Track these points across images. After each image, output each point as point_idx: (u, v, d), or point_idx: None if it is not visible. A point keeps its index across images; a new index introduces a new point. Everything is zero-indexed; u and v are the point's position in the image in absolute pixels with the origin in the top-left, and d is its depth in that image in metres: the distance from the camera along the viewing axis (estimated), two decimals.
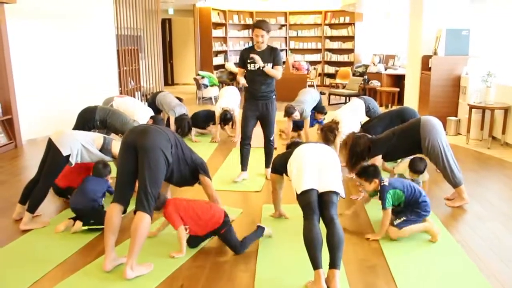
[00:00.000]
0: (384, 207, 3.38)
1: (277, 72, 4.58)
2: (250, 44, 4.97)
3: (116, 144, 3.93)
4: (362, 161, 4.39)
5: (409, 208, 3.42)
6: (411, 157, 4.17)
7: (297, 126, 6.84)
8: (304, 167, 2.99)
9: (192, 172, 3.42)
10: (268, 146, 4.88)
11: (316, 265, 2.64)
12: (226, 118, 6.87)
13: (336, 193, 2.92)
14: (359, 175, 3.54)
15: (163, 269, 2.96)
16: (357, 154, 4.26)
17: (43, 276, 2.90)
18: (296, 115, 6.35)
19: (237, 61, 4.88)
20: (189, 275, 2.92)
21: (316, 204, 2.85)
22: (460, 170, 4.11)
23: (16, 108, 6.47)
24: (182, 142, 3.32)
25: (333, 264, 2.66)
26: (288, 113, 6.33)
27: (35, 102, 6.99)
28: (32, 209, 3.67)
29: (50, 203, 4.15)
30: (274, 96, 4.76)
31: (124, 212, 3.00)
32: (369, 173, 3.46)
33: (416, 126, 4.13)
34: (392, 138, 4.23)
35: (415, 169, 4.01)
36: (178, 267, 3.01)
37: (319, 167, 2.99)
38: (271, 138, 4.85)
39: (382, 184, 3.41)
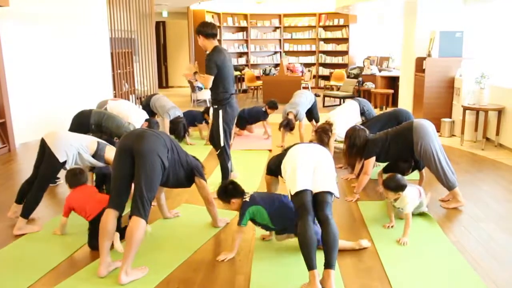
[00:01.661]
0: (239, 223, 3.10)
1: (201, 80, 4.35)
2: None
3: (110, 149, 3.89)
4: (359, 156, 4.43)
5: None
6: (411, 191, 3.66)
7: None
8: (298, 168, 2.99)
9: (187, 174, 3.41)
10: (218, 159, 4.59)
11: (310, 265, 2.63)
12: None
13: (331, 193, 2.92)
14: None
15: (158, 273, 2.95)
16: (356, 146, 4.30)
17: (36, 281, 2.87)
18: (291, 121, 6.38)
19: (230, 68, 4.56)
20: (184, 278, 2.90)
21: (310, 205, 2.85)
22: (454, 172, 4.11)
23: (10, 111, 6.44)
24: (177, 145, 3.31)
25: (328, 264, 2.65)
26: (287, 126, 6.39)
27: (28, 106, 6.96)
28: (26, 214, 3.63)
29: (44, 207, 4.11)
30: (216, 107, 4.40)
31: (120, 217, 2.98)
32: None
33: (408, 130, 4.14)
34: (385, 140, 4.25)
35: (387, 185, 3.52)
36: (173, 270, 2.99)
37: (313, 167, 2.99)
38: (217, 152, 4.52)
39: (243, 200, 3.13)
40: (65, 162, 3.64)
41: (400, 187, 3.47)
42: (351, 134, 4.39)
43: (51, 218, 3.93)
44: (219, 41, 13.51)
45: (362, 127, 4.49)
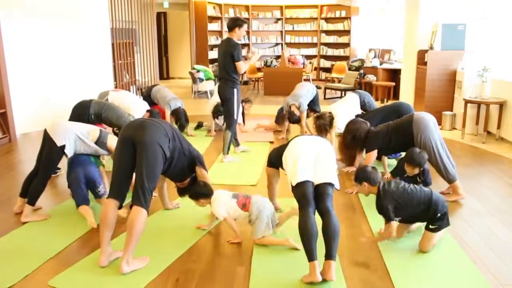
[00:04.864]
0: None
1: None
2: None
3: (112, 138, 3.91)
4: (358, 148, 4.41)
5: None
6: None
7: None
8: (299, 159, 2.99)
9: (189, 164, 3.42)
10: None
11: (311, 257, 2.64)
12: (219, 110, 6.87)
13: (331, 185, 2.92)
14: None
15: (159, 263, 2.96)
16: (357, 139, 4.29)
17: (37, 269, 2.89)
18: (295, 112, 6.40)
19: (222, 56, 5.36)
20: (184, 269, 2.91)
21: (311, 196, 2.85)
22: (455, 165, 4.11)
23: (10, 102, 6.43)
24: (179, 134, 3.32)
25: (329, 255, 2.66)
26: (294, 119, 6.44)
27: (29, 96, 6.94)
28: (32, 201, 3.67)
29: (45, 198, 4.11)
30: None
31: (120, 207, 2.99)
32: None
33: (409, 123, 4.14)
34: (386, 133, 4.24)
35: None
36: (173, 261, 3.00)
37: (314, 159, 2.99)
38: None
39: None
40: (64, 147, 3.65)
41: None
42: (352, 126, 4.38)
43: (51, 208, 3.94)
44: (221, 32, 13.47)
45: (363, 120, 4.48)
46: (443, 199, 3.12)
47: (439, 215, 3.03)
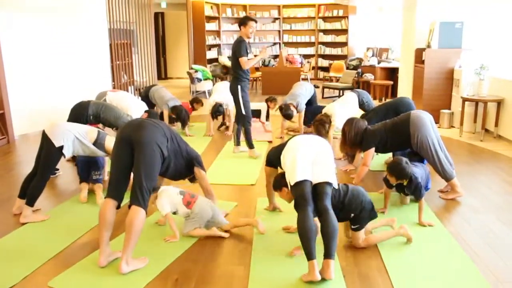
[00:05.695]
0: None
1: None
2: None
3: (110, 139, 3.91)
4: (356, 147, 4.41)
5: None
6: None
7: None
8: (298, 159, 2.99)
9: (187, 165, 3.43)
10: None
11: (310, 256, 2.65)
12: (218, 110, 6.87)
13: (330, 184, 2.93)
14: None
15: (158, 263, 2.96)
16: (354, 137, 4.28)
17: (36, 270, 2.89)
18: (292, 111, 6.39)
19: (231, 55, 5.46)
20: (183, 269, 2.92)
21: (310, 195, 2.86)
22: (453, 164, 4.12)
23: (8, 103, 6.42)
24: (177, 135, 3.33)
25: (328, 254, 2.67)
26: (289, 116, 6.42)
27: (27, 97, 6.94)
28: (31, 202, 3.67)
29: (44, 198, 4.11)
30: None
31: (118, 207, 2.99)
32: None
33: (405, 121, 4.13)
34: (384, 132, 4.23)
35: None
36: (172, 261, 3.01)
37: (312, 158, 3.00)
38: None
39: None
40: (62, 148, 3.65)
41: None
42: (349, 125, 4.37)
43: (50, 209, 3.94)
44: (218, 32, 13.48)
45: (359, 118, 4.48)
46: (359, 203, 3.03)
47: (352, 215, 3.04)
